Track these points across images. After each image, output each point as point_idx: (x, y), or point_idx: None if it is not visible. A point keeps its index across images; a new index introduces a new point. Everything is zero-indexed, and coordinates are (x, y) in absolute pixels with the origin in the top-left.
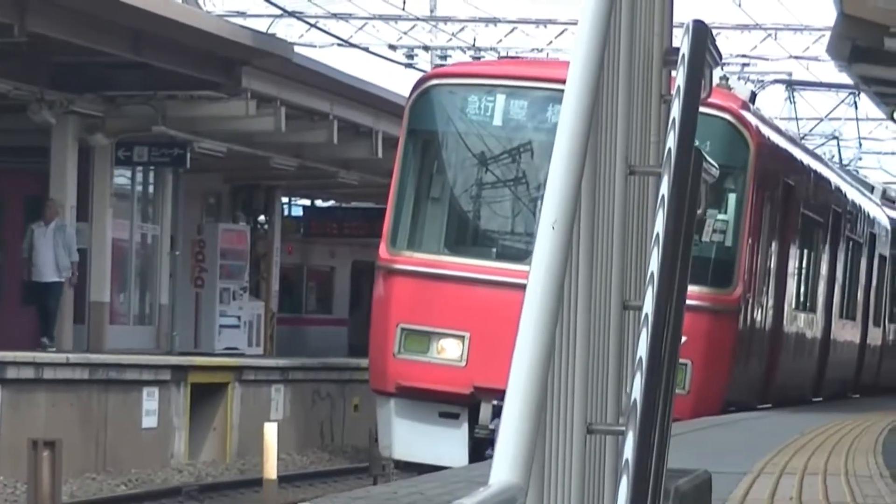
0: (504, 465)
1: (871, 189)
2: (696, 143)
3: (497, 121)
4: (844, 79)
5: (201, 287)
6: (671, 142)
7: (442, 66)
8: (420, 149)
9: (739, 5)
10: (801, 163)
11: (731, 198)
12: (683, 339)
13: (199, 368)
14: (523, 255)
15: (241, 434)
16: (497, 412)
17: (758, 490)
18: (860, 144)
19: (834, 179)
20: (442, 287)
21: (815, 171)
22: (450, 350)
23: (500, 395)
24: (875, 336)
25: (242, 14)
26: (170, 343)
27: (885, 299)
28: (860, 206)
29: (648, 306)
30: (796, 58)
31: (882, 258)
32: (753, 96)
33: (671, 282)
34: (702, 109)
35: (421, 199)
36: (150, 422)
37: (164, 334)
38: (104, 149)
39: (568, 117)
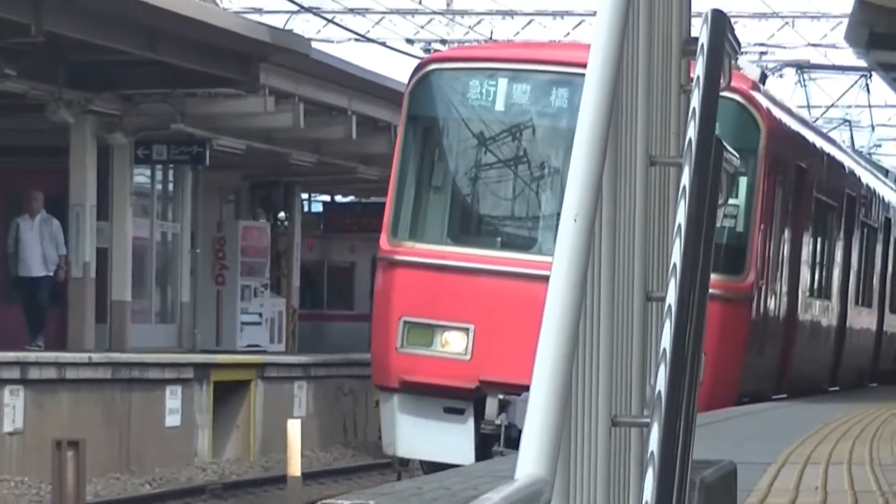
0: (529, 459)
1: (886, 173)
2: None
3: (499, 105)
4: (858, 63)
5: (222, 284)
6: (692, 132)
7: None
8: (420, 136)
9: None
10: (814, 145)
11: (742, 181)
12: None
13: (221, 366)
14: (528, 245)
15: (265, 431)
16: (503, 407)
17: (783, 480)
18: (873, 129)
19: (847, 163)
20: (445, 278)
21: (828, 154)
22: (454, 343)
23: (506, 388)
24: (892, 323)
25: (259, 10)
26: (192, 341)
27: None
28: (875, 191)
29: (671, 297)
30: (814, 45)
31: None
32: (764, 77)
33: (694, 272)
34: None
35: (422, 188)
36: (173, 420)
37: (186, 332)
38: (123, 147)
39: (588, 109)
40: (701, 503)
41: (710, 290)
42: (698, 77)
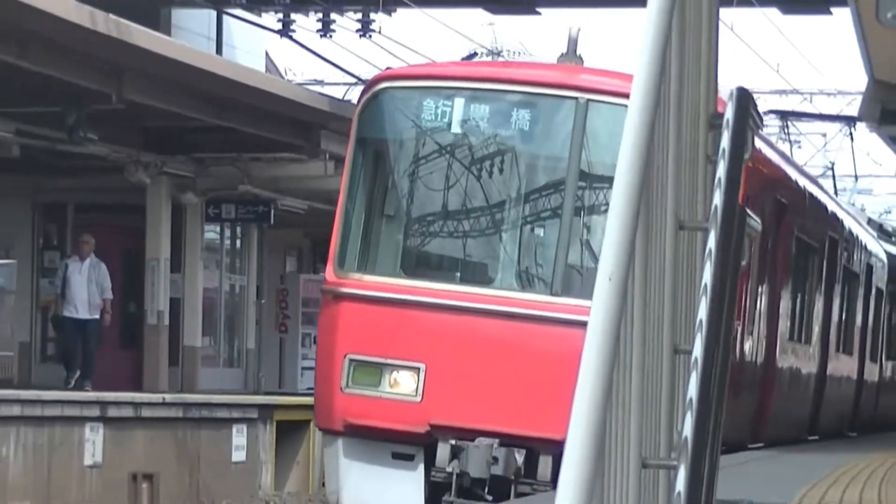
0: (566, 501)
1: (868, 220)
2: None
3: (455, 128)
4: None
5: (285, 332)
6: (717, 200)
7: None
8: (371, 160)
9: (777, 71)
10: (795, 182)
11: None
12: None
13: (283, 407)
14: (485, 278)
15: (323, 467)
16: (455, 453)
17: None
18: (856, 179)
19: (830, 204)
20: (394, 313)
21: (810, 193)
22: (403, 383)
23: (459, 433)
24: (872, 372)
25: (320, 82)
26: (256, 384)
27: (882, 335)
28: (856, 236)
29: (698, 350)
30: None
31: (879, 292)
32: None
33: (718, 328)
34: None
35: (372, 216)
36: (239, 456)
37: (251, 376)
38: (195, 206)
39: (623, 176)
40: None
41: None
42: (723, 149)
